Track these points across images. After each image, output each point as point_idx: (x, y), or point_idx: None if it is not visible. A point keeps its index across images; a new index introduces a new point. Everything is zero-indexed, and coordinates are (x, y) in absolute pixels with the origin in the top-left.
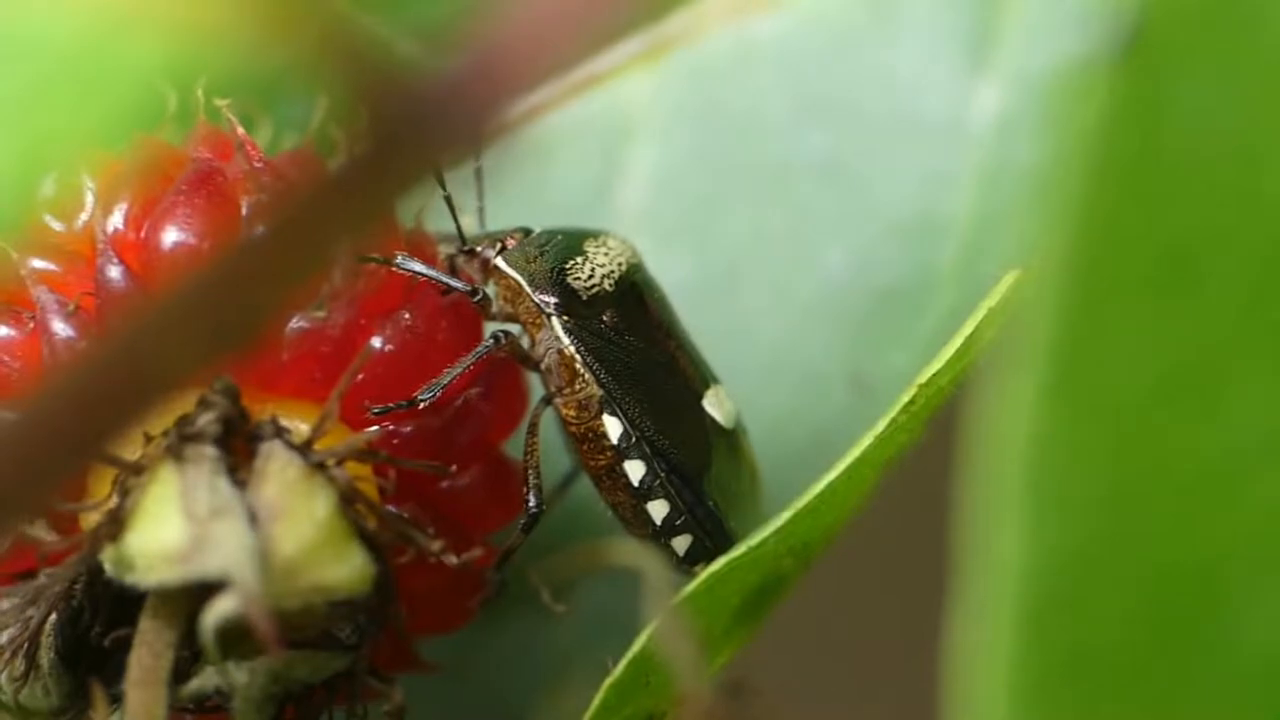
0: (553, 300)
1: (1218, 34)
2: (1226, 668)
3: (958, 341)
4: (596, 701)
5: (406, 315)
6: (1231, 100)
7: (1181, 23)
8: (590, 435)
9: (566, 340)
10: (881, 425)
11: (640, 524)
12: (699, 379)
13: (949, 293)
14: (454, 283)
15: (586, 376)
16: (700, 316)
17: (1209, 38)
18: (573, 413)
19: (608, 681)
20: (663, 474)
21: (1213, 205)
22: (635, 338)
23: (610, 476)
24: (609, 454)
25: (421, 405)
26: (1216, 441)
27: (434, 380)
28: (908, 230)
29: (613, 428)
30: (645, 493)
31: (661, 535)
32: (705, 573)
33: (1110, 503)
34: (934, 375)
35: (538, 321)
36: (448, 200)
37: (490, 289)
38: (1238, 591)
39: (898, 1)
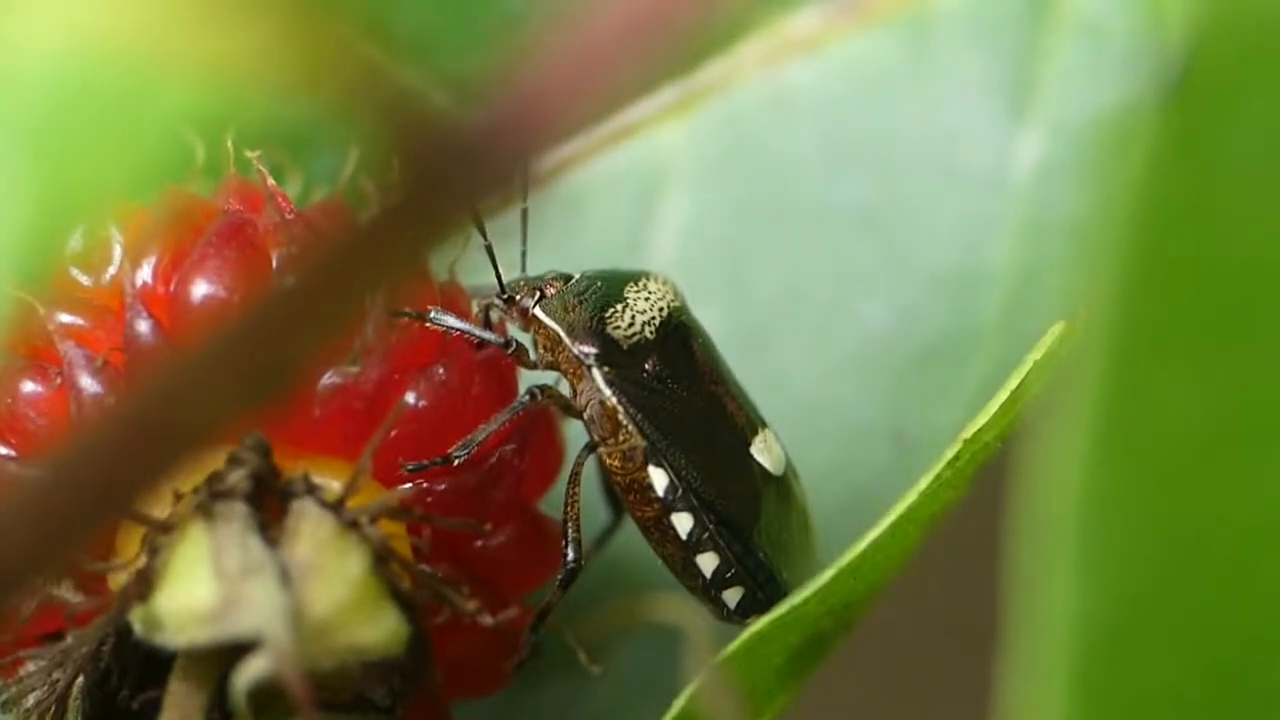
0: (592, 351)
1: (1267, 75)
2: None
3: (1003, 396)
4: None
5: (440, 370)
6: None
7: (1230, 64)
8: (636, 486)
9: (608, 392)
10: (925, 482)
11: (690, 576)
12: (746, 424)
13: (993, 347)
14: (487, 336)
15: (630, 428)
16: (736, 370)
17: (1258, 78)
18: (617, 463)
19: None
20: (711, 526)
21: (1263, 251)
22: (679, 385)
23: (658, 528)
24: (656, 506)
25: (456, 462)
26: (1269, 493)
27: (468, 437)
28: (949, 282)
29: (658, 479)
30: (694, 545)
31: (712, 588)
32: (746, 632)
33: (1162, 557)
34: (979, 430)
35: (578, 372)
36: (489, 250)
37: (527, 337)
38: None
39: (935, 50)
